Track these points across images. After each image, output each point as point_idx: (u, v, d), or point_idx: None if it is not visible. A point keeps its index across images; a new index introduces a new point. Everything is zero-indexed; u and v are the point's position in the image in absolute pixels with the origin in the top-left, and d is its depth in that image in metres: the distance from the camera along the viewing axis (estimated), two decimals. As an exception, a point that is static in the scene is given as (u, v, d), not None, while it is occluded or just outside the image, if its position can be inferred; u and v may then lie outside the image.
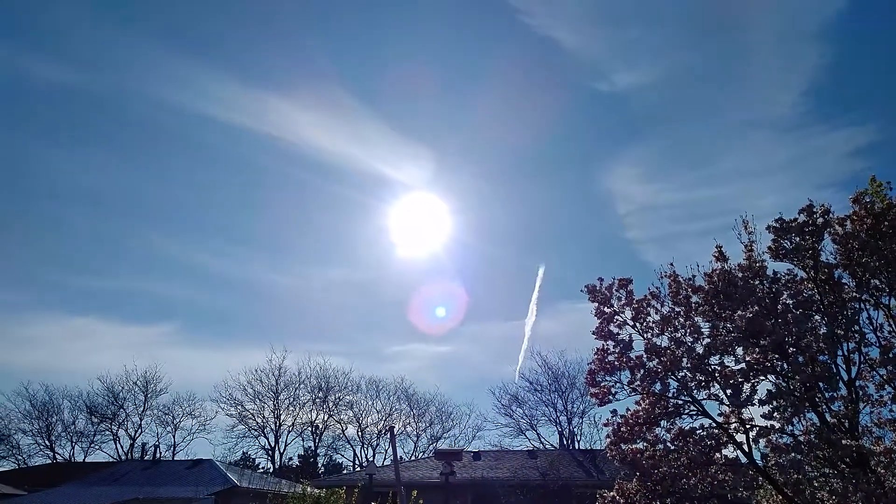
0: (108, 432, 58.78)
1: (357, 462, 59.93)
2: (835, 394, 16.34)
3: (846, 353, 16.59)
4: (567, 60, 70.26)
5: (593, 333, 18.98)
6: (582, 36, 68.43)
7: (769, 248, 17.69)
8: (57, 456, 57.07)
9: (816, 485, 16.13)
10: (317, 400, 58.79)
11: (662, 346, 17.96)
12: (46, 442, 57.36)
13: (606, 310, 18.92)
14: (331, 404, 59.09)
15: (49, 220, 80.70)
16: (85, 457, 57.49)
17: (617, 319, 18.80)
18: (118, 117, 77.05)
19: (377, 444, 60.68)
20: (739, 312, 17.00)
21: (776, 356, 16.70)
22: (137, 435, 58.68)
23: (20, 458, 56.66)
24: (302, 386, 58.74)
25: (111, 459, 56.29)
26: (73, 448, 57.84)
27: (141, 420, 58.68)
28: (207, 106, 72.26)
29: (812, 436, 15.53)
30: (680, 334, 17.94)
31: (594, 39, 69.35)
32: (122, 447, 58.15)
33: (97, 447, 58.72)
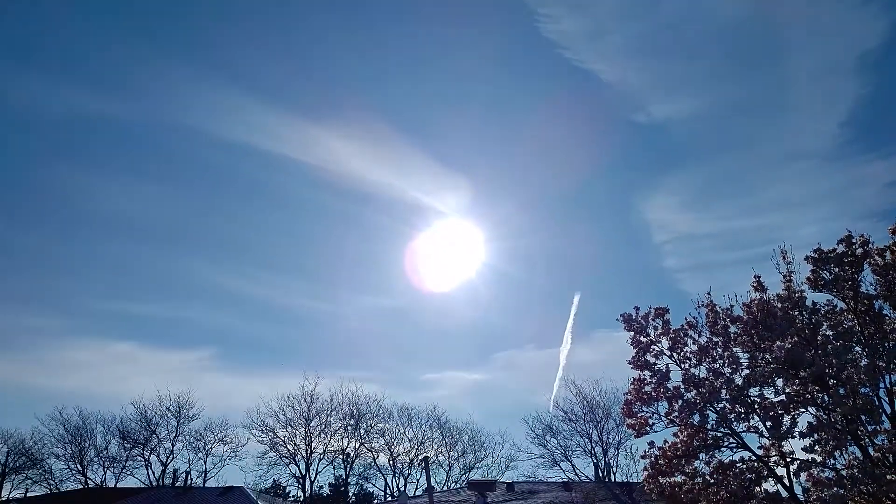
0: (140, 458, 59.08)
1: (388, 491, 59.52)
2: (878, 427, 16.07)
3: (889, 386, 16.34)
4: (606, 92, 70.57)
5: (629, 363, 18.93)
6: (621, 68, 68.82)
7: (808, 278, 17.56)
8: (89, 481, 57.41)
9: (861, 520, 15.81)
10: (348, 427, 58.69)
11: (700, 376, 17.87)
12: (79, 467, 57.69)
13: (643, 339, 18.89)
14: (362, 432, 58.91)
15: (91, 247, 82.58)
16: (116, 482, 57.78)
17: (653, 349, 18.75)
18: (160, 147, 79.06)
19: (409, 474, 60.23)
20: (779, 343, 16.88)
21: (817, 388, 16.52)
22: (169, 461, 58.87)
23: (52, 482, 57.13)
24: (334, 413, 58.67)
25: (143, 485, 56.54)
26: (105, 473, 58.13)
27: (173, 446, 58.91)
28: (249, 135, 73.81)
29: (855, 470, 15.25)
30: (718, 365, 17.83)
31: (633, 72, 69.71)
32: (153, 473, 58.36)
33: (129, 473, 58.90)
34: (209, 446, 59.38)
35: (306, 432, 58.18)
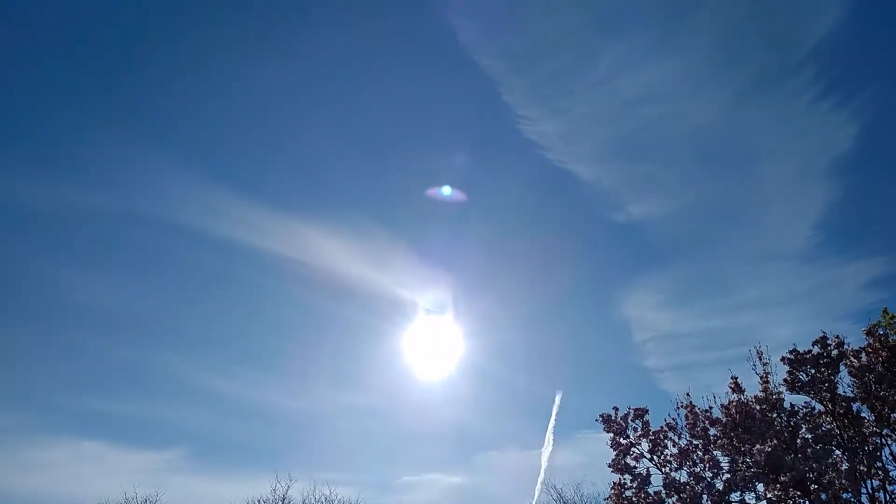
0: (104, 563, 56.74)
1: None
2: (862, 534, 15.82)
3: (870, 492, 16.17)
4: (583, 191, 72.30)
5: (609, 466, 18.65)
6: (597, 169, 70.85)
7: (785, 379, 17.61)
8: (52, 587, 54.83)
9: None
10: (320, 534, 56.90)
11: (681, 480, 17.61)
12: (42, 571, 55.28)
13: (622, 441, 18.69)
14: (335, 539, 57.10)
15: (62, 340, 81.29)
16: (80, 589, 55.23)
17: (633, 452, 18.54)
18: (135, 239, 78.92)
19: (382, 586, 57.97)
20: (758, 446, 16.75)
21: (798, 493, 16.30)
22: (135, 566, 56.54)
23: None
24: (305, 519, 57.09)
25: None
26: (68, 579, 55.68)
27: (138, 551, 56.79)
28: (230, 229, 73.75)
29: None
30: (699, 468, 17.62)
31: (609, 173, 71.69)
32: (119, 578, 55.95)
33: (93, 578, 56.56)
34: (177, 552, 57.09)
35: (277, 538, 56.26)
